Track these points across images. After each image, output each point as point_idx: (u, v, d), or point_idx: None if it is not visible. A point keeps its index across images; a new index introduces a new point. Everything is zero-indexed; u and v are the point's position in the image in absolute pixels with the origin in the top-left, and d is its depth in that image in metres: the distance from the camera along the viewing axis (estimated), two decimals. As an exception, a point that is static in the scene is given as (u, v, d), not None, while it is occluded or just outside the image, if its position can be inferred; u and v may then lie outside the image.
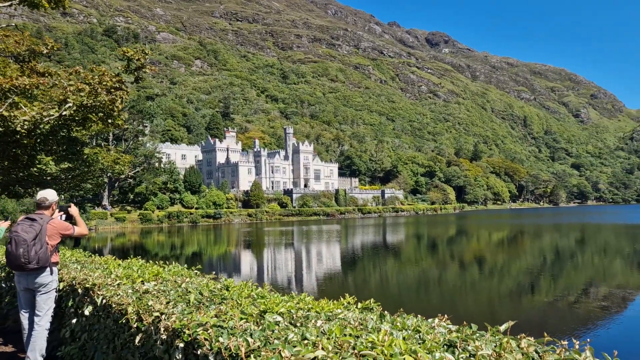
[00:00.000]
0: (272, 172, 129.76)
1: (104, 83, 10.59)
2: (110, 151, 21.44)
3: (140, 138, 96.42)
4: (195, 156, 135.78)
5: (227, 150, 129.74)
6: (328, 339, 2.11)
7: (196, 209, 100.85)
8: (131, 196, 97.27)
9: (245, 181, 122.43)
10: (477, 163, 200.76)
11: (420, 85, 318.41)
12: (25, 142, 11.54)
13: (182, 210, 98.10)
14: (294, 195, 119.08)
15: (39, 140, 11.95)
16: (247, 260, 33.78)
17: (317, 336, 2.18)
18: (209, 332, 2.48)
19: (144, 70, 11.07)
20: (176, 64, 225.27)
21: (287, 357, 2.00)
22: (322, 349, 1.96)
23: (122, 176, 70.09)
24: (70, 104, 10.31)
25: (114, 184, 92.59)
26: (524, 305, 16.99)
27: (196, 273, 4.67)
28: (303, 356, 1.96)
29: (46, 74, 11.06)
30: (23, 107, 10.22)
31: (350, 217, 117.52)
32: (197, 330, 2.54)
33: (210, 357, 2.37)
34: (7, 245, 4.96)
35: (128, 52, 10.87)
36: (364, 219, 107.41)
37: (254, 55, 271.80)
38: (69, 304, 4.78)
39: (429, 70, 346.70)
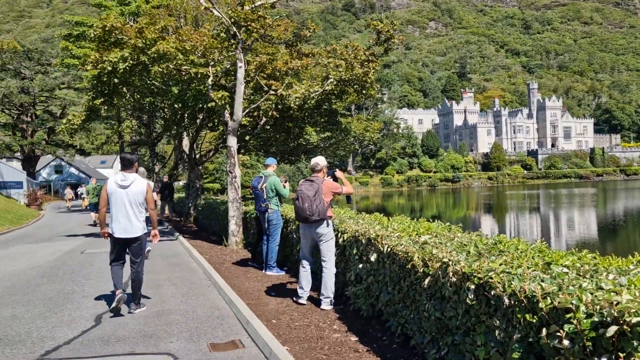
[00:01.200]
0: (514, 132, 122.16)
1: (358, 57, 11.64)
2: (359, 120, 23.30)
3: (379, 105, 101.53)
4: (432, 120, 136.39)
5: (465, 111, 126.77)
6: (628, 289, 2.17)
7: (434, 172, 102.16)
8: (372, 162, 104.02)
9: (484, 143, 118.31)
10: None
11: None
12: (295, 116, 13.57)
13: (421, 174, 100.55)
14: (540, 157, 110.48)
15: (306, 114, 13.93)
16: (487, 224, 32.95)
17: (614, 286, 2.26)
18: (500, 276, 2.79)
19: (392, 41, 11.74)
20: (410, 29, 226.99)
21: (587, 301, 2.16)
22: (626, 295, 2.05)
23: (366, 142, 75.14)
24: (331, 80, 11.67)
25: (357, 150, 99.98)
26: None
27: (460, 230, 5.00)
28: (605, 299, 2.08)
29: (309, 55, 12.64)
30: (294, 85, 11.98)
31: (610, 179, 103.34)
32: (489, 274, 2.88)
33: (504, 298, 2.69)
34: (295, 201, 6.14)
35: (378, 25, 11.65)
36: (627, 182, 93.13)
37: (492, 8, 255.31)
38: (354, 252, 5.67)
39: None
